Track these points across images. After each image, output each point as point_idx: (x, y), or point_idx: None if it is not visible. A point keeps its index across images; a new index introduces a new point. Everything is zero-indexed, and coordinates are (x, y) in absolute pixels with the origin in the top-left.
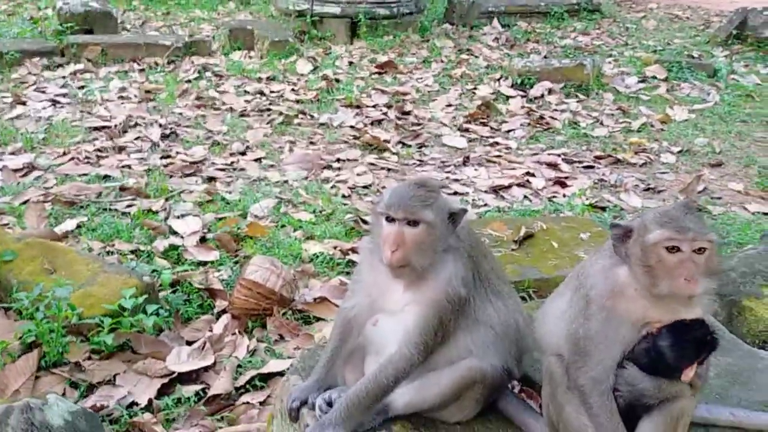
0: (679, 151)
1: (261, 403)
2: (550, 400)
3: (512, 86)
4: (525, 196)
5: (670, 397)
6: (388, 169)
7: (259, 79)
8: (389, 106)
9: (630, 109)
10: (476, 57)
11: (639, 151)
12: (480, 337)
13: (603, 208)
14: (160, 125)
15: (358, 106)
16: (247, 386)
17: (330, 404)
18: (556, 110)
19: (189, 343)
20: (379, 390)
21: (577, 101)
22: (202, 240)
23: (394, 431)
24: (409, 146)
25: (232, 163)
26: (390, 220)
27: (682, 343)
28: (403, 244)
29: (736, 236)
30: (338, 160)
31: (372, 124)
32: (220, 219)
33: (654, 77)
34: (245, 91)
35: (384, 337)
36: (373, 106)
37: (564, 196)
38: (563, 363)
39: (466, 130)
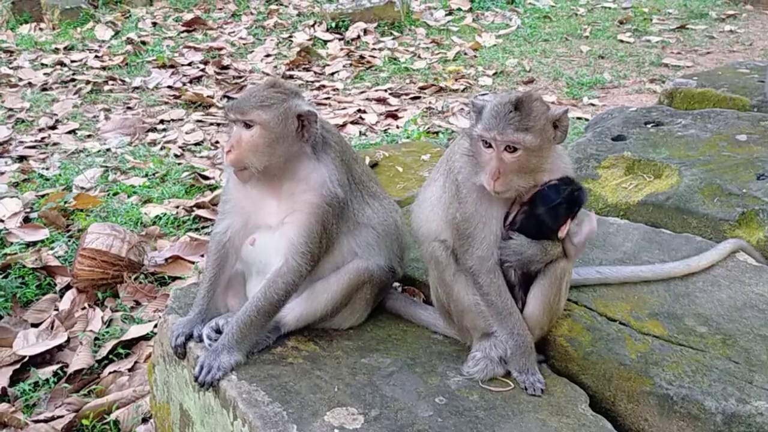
0: (494, 74)
1: (130, 370)
2: (439, 284)
3: (327, 30)
4: (361, 132)
5: (553, 260)
6: (218, 124)
7: (56, 50)
8: (206, 63)
9: (443, 41)
10: (286, 6)
11: (458, 77)
12: (362, 239)
13: (436, 133)
14: None
15: (172, 66)
16: (111, 357)
17: (219, 332)
18: (374, 49)
19: (35, 326)
20: (270, 306)
21: (393, 38)
22: (26, 220)
23: (290, 346)
24: (235, 98)
25: (43, 138)
26: (232, 122)
27: (554, 206)
28: (238, 146)
29: None
30: (162, 121)
31: (191, 81)
32: (42, 196)
33: (459, 9)
34: (42, 64)
35: (266, 255)
36: (189, 64)
37: (397, 127)
38: (446, 247)
39: (291, 77)
